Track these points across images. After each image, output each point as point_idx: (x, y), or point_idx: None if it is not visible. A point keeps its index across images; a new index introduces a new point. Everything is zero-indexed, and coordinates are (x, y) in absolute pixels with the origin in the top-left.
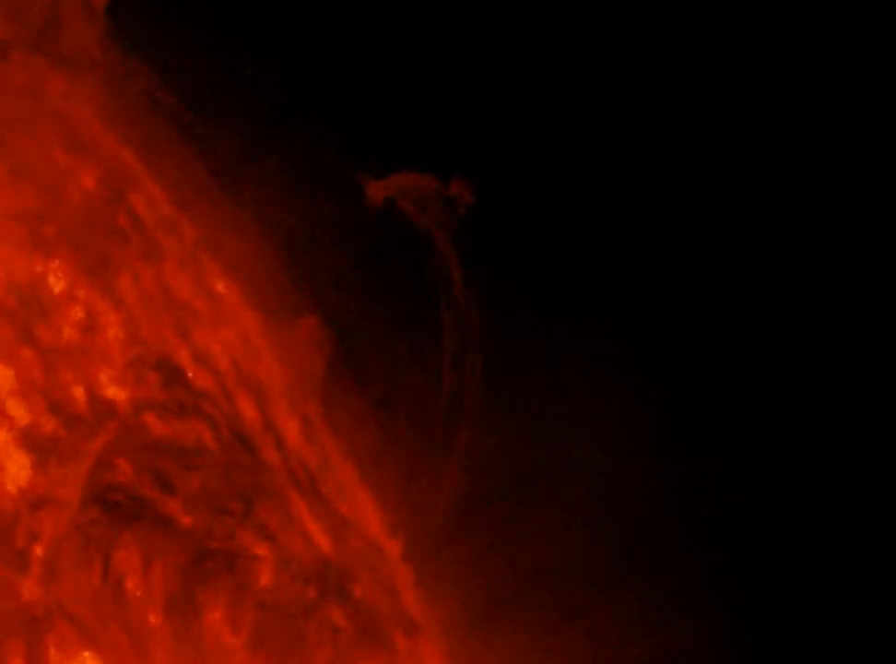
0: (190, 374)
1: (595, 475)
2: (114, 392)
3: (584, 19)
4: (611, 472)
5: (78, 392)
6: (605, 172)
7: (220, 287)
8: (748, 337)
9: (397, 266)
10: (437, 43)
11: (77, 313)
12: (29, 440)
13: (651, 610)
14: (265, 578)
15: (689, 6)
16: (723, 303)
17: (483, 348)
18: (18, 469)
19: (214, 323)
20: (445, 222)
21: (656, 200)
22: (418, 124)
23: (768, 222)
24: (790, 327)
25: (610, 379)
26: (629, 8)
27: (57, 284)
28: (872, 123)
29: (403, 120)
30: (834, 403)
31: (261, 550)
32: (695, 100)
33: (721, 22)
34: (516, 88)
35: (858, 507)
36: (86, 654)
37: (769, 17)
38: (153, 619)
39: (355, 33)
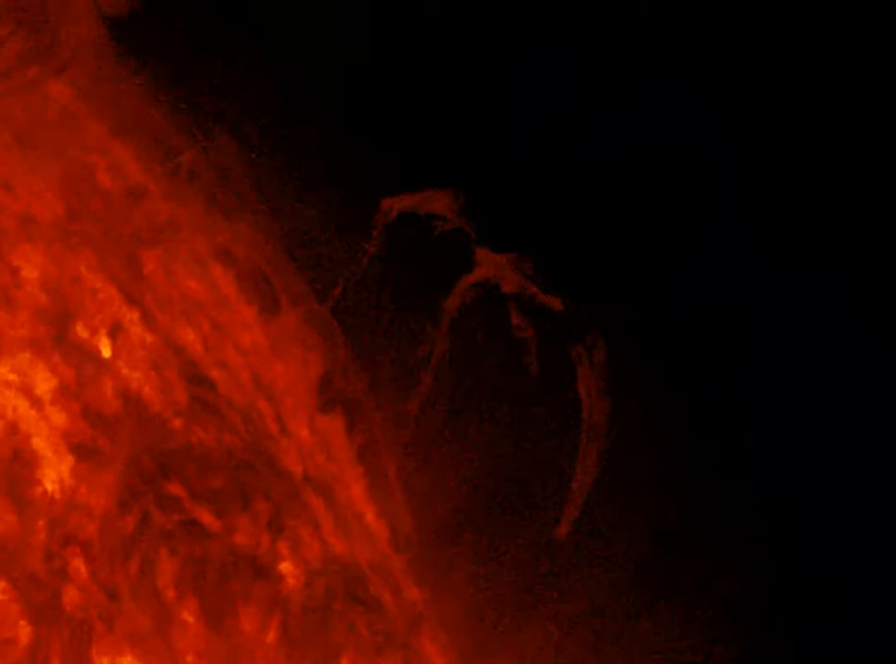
0: (213, 378)
1: (600, 474)
2: (142, 395)
3: (585, 21)
4: (616, 472)
5: (109, 395)
6: (608, 179)
7: (232, 291)
8: (755, 333)
9: (400, 268)
10: (446, 50)
11: (104, 315)
12: (67, 445)
13: (658, 610)
14: (290, 581)
15: (687, 8)
16: (723, 301)
17: (485, 347)
18: (58, 475)
19: (229, 326)
20: (450, 231)
21: (654, 201)
22: (423, 128)
23: (766, 221)
24: (796, 327)
25: (613, 377)
26: (628, 10)
27: (85, 286)
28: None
29: (410, 123)
30: (843, 400)
31: (285, 552)
32: (694, 102)
33: (719, 28)
34: (520, 93)
35: (867, 504)
36: (126, 658)
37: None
38: (188, 620)
39: (361, 34)
